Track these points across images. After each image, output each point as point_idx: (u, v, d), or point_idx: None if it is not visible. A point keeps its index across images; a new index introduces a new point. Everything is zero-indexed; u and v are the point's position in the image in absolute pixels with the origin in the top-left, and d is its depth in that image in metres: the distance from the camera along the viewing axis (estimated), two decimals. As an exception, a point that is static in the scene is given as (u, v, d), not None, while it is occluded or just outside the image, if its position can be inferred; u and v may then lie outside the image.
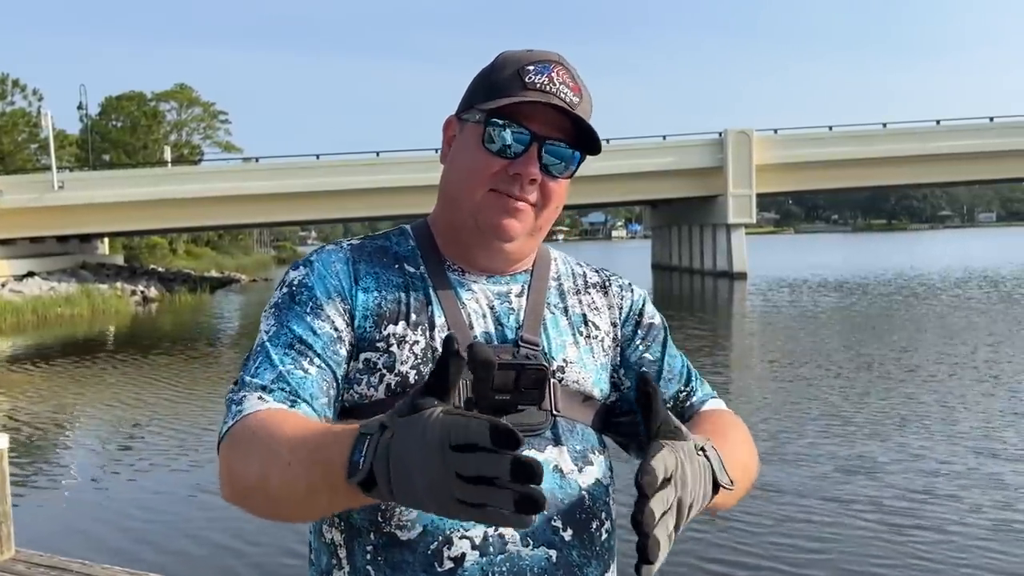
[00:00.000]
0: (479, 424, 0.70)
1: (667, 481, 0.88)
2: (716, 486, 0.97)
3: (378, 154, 33.60)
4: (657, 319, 1.29)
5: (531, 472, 0.68)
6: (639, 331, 1.27)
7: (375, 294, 1.14)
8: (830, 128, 35.24)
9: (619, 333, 1.25)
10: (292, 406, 1.03)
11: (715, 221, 35.42)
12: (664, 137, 35.03)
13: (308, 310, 1.11)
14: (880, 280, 31.50)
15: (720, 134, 34.29)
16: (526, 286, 1.21)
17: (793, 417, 9.21)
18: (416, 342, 1.11)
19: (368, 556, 1.07)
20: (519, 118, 1.11)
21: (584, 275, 1.29)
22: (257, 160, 36.37)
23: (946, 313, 19.58)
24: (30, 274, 29.44)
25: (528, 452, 1.07)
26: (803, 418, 9.16)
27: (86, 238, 37.65)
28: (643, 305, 1.29)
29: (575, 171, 1.17)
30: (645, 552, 0.84)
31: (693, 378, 1.27)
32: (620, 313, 1.27)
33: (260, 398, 1.02)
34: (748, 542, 5.59)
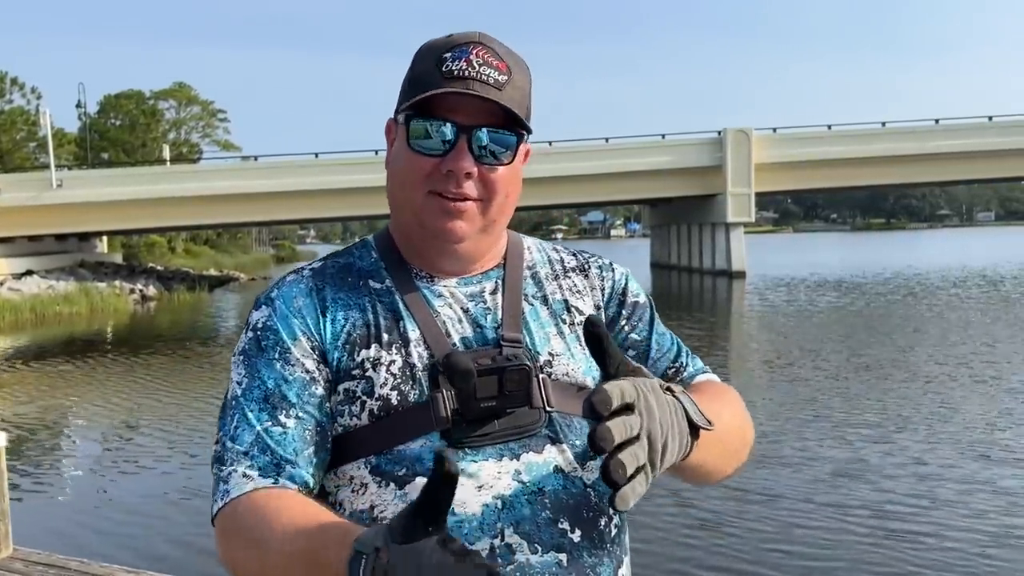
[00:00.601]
0: (462, 569, 0.71)
1: (628, 408, 0.83)
2: (694, 430, 0.92)
3: (376, 152, 33.45)
4: (642, 297, 1.24)
5: None
6: (623, 310, 1.21)
7: (343, 321, 1.09)
8: (829, 127, 35.23)
9: (603, 315, 1.20)
10: (278, 474, 1.01)
11: (714, 220, 35.41)
12: (663, 136, 35.01)
13: (276, 356, 1.06)
14: (878, 280, 31.51)
15: (719, 133, 34.28)
16: (499, 281, 1.15)
17: (790, 417, 9.21)
18: (392, 361, 1.06)
19: None
20: (443, 111, 1.05)
21: (561, 260, 1.23)
22: (256, 159, 36.34)
23: (945, 313, 19.59)
24: (28, 272, 29.42)
25: (527, 455, 1.05)
26: (800, 418, 9.15)
27: (84, 236, 37.62)
28: (625, 283, 1.23)
29: (515, 154, 1.09)
30: (610, 476, 0.80)
31: (683, 353, 1.22)
32: (603, 295, 1.21)
33: (245, 475, 1.00)
34: (744, 548, 5.58)
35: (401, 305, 1.11)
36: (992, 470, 7.04)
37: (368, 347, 1.07)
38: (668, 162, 33.77)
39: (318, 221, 57.96)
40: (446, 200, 1.08)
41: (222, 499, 1.00)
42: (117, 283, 30.50)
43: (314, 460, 1.04)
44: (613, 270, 1.24)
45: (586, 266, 1.23)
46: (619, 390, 0.82)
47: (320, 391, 1.06)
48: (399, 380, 1.06)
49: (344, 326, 1.09)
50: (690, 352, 1.24)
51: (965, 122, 35.04)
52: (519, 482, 1.03)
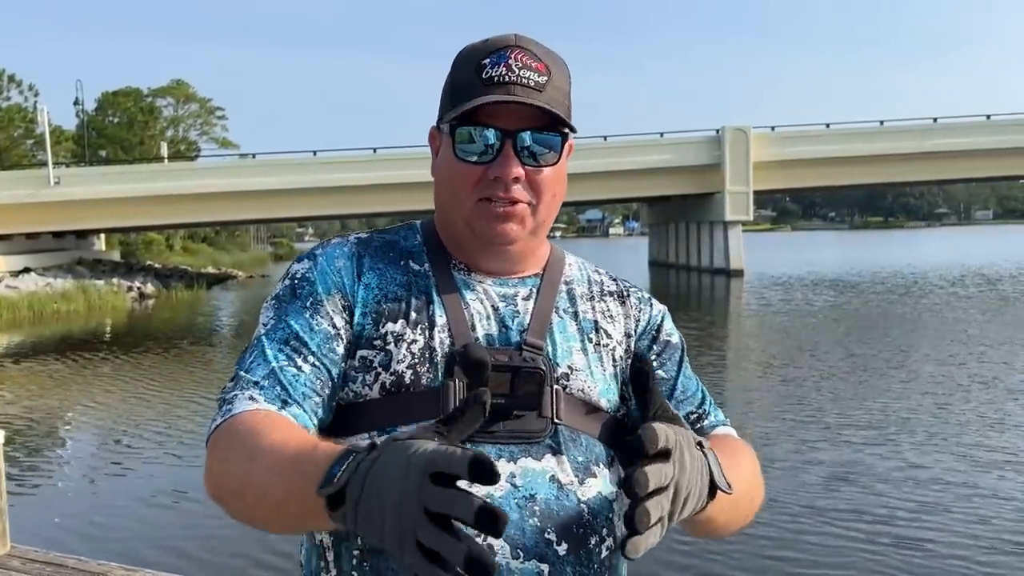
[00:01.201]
0: (463, 454, 0.69)
1: (666, 455, 0.84)
2: (712, 489, 0.93)
3: (375, 150, 33.55)
4: (675, 337, 1.24)
5: (494, 522, 0.66)
6: (655, 346, 1.21)
7: (376, 291, 1.11)
8: (827, 125, 35.26)
9: (633, 345, 1.19)
10: (283, 407, 1.01)
11: (712, 218, 35.43)
12: (662, 134, 35.02)
13: (308, 305, 1.08)
14: (876, 278, 31.53)
15: (717, 131, 34.29)
16: (535, 290, 1.16)
17: (787, 416, 9.21)
18: (414, 341, 1.07)
19: (354, 561, 1.04)
20: (486, 117, 1.06)
21: (601, 283, 1.24)
22: (254, 156, 36.30)
23: (943, 312, 19.60)
24: (26, 270, 29.39)
25: (525, 460, 1.04)
26: (797, 418, 9.15)
27: (82, 234, 37.59)
28: (661, 321, 1.24)
29: (561, 154, 1.11)
30: (633, 521, 0.80)
31: (707, 403, 1.22)
32: (637, 325, 1.21)
33: (251, 397, 1.00)
34: (741, 553, 5.57)
35: (434, 290, 1.12)
36: (991, 473, 7.05)
37: (395, 321, 1.09)
38: (666, 160, 33.77)
39: (316, 219, 57.93)
40: (496, 204, 1.09)
41: (222, 417, 1.00)
42: (115, 281, 30.47)
43: (318, 412, 1.04)
44: (651, 305, 1.25)
45: (625, 294, 1.24)
46: (664, 434, 0.84)
47: (340, 349, 1.07)
48: (416, 360, 1.07)
49: (376, 295, 1.11)
50: (713, 402, 1.23)
51: (963, 121, 35.07)
52: (511, 485, 1.03)
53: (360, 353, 1.08)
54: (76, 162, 42.48)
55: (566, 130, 1.10)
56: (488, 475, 0.68)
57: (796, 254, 55.32)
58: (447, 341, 1.08)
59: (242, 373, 1.04)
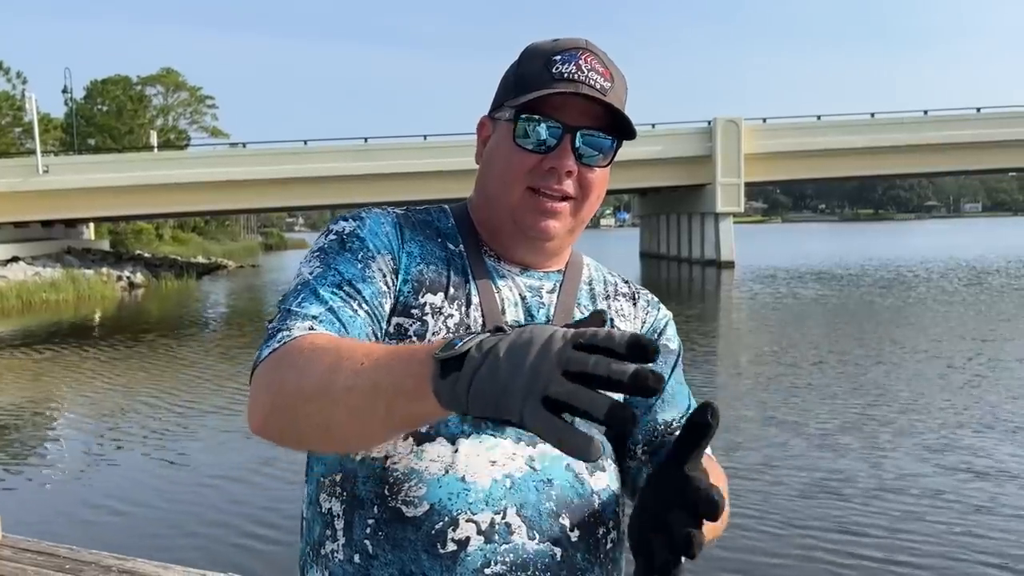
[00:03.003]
0: (622, 333, 0.67)
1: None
2: None
3: (366, 140, 33.44)
4: (674, 343, 1.28)
5: (645, 383, 0.64)
6: None
7: (418, 260, 1.13)
8: (818, 117, 35.32)
9: None
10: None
11: (703, 210, 35.50)
12: (653, 125, 34.99)
13: (359, 258, 1.09)
14: (865, 271, 31.67)
15: (709, 123, 34.32)
16: (558, 284, 1.20)
17: (776, 406, 9.26)
18: (451, 315, 1.10)
19: (368, 530, 1.04)
20: (550, 111, 1.09)
21: (615, 284, 1.28)
22: (244, 145, 36.17)
23: (929, 305, 19.73)
24: (14, 259, 29.21)
25: (543, 445, 1.05)
26: (786, 407, 9.20)
27: (71, 223, 37.36)
28: (665, 325, 1.28)
29: (612, 159, 1.15)
30: (693, 549, 0.78)
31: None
32: (643, 327, 1.25)
33: (311, 327, 0.98)
34: (734, 547, 5.61)
35: (470, 270, 1.15)
36: (984, 482, 7.11)
37: (435, 294, 1.11)
38: (658, 151, 33.77)
39: (307, 209, 57.77)
40: (544, 199, 1.12)
41: (279, 342, 0.96)
42: (104, 270, 30.33)
43: None
44: (659, 309, 1.29)
45: (636, 296, 1.28)
46: (724, 503, 0.83)
47: (387, 307, 1.09)
48: (451, 335, 1.06)
49: (418, 264, 1.13)
50: None
51: (953, 113, 35.20)
52: (531, 468, 1.05)
53: (395, 320, 1.09)
54: (65, 150, 42.18)
55: (620, 137, 1.13)
56: (648, 354, 0.65)
57: (786, 246, 55.48)
58: (480, 320, 1.11)
59: (294, 308, 1.02)
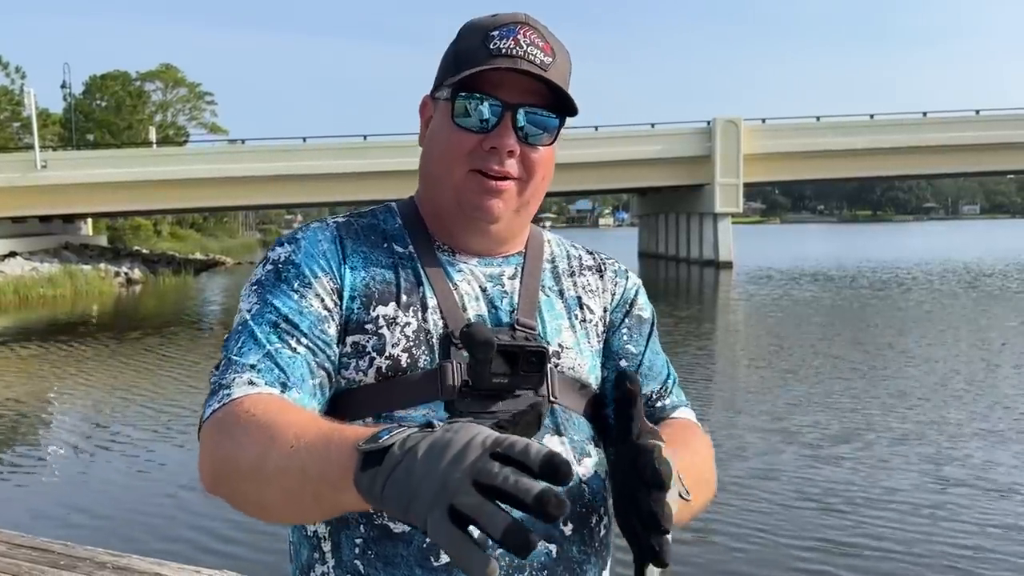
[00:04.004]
0: (539, 448, 0.65)
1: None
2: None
3: (365, 137, 33.44)
4: (647, 312, 1.24)
5: (547, 511, 0.62)
6: (627, 320, 1.21)
7: (363, 273, 1.08)
8: (818, 118, 35.32)
9: (608, 319, 1.20)
10: (283, 391, 0.97)
11: (702, 210, 35.49)
12: (653, 125, 35.04)
13: (294, 288, 1.05)
14: (863, 272, 31.66)
15: (708, 123, 34.31)
16: (519, 268, 1.16)
17: (772, 408, 9.26)
18: (407, 323, 1.06)
19: (357, 550, 1.01)
20: (489, 88, 1.05)
21: (579, 257, 1.24)
22: (243, 142, 36.11)
23: (926, 307, 19.73)
24: (12, 254, 29.15)
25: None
26: (781, 410, 9.20)
27: (69, 218, 37.33)
28: (635, 294, 1.24)
29: (556, 136, 1.10)
30: (661, 553, 0.79)
31: (671, 382, 1.21)
32: (612, 299, 1.21)
33: (250, 381, 0.96)
34: (727, 546, 5.60)
35: (422, 272, 1.10)
36: (969, 463, 7.10)
37: (386, 304, 1.07)
38: (657, 151, 33.78)
39: (305, 206, 57.62)
40: (487, 179, 1.08)
41: (219, 402, 0.95)
42: (102, 266, 30.28)
43: (316, 395, 1.01)
44: (627, 277, 1.25)
45: (602, 267, 1.24)
46: (668, 465, 0.86)
47: (332, 331, 1.04)
48: (411, 343, 1.05)
49: (364, 278, 1.08)
50: (677, 381, 1.23)
51: (952, 115, 35.22)
52: None
53: (351, 339, 1.05)
54: (63, 146, 42.16)
55: (564, 114, 1.10)
56: (559, 477, 0.64)
57: (785, 247, 55.50)
58: (440, 323, 1.07)
59: (234, 357, 1.00)
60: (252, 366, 0.98)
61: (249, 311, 1.04)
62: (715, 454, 1.17)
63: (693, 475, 0.98)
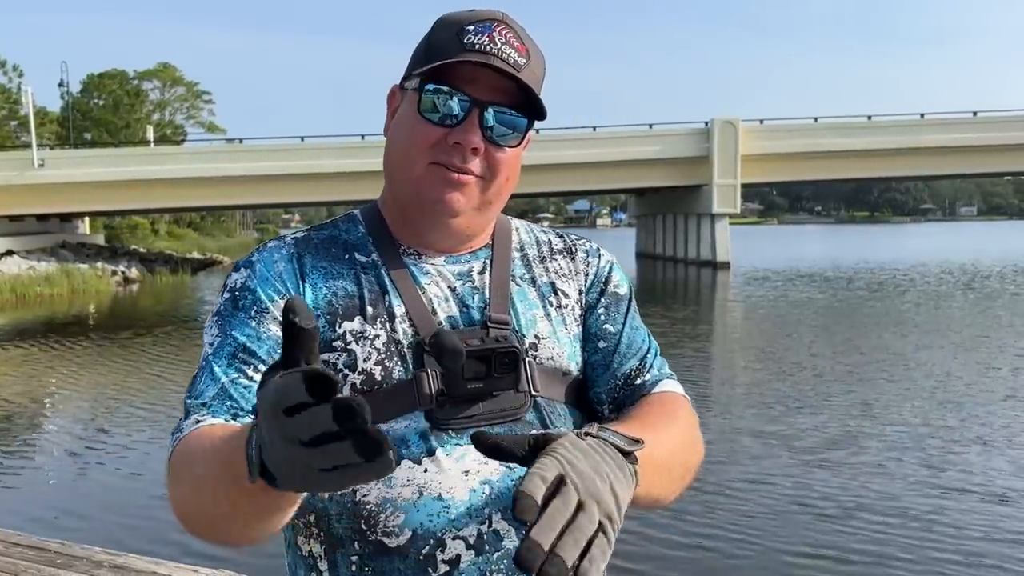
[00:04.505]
0: (294, 378, 0.60)
1: (554, 493, 0.74)
2: (628, 455, 0.84)
3: (363, 137, 33.40)
4: (623, 288, 1.21)
5: (351, 413, 0.57)
6: (603, 299, 1.18)
7: (324, 290, 1.06)
8: (815, 119, 35.33)
9: (585, 300, 1.18)
10: (233, 420, 0.96)
11: (700, 210, 35.50)
12: (651, 126, 35.02)
13: (252, 315, 1.03)
14: (861, 273, 31.69)
15: (706, 124, 34.31)
16: (488, 261, 1.13)
17: (768, 408, 9.26)
18: (376, 336, 1.04)
19: (354, 568, 1.01)
20: (458, 83, 1.02)
21: (549, 242, 1.21)
22: (241, 141, 36.06)
23: (924, 309, 19.75)
24: (9, 253, 29.12)
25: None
26: (778, 409, 9.21)
27: (66, 217, 37.27)
28: (609, 271, 1.21)
29: (524, 139, 1.08)
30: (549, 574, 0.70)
31: (651, 355, 1.17)
32: (586, 279, 1.19)
33: (197, 420, 0.96)
34: (722, 546, 5.60)
35: (387, 280, 1.08)
36: (963, 463, 7.11)
37: (351, 319, 1.05)
38: (655, 152, 33.78)
39: (303, 205, 57.60)
40: (448, 171, 1.05)
41: (173, 442, 0.96)
42: (99, 265, 30.25)
43: None
44: (599, 256, 1.22)
45: (573, 249, 1.21)
46: (538, 480, 0.74)
47: None
48: (383, 356, 1.04)
49: (326, 295, 1.06)
50: (659, 353, 1.20)
51: (950, 117, 35.25)
52: (507, 467, 1.01)
53: (320, 358, 1.02)
54: (61, 144, 42.09)
55: (533, 117, 1.07)
56: (327, 385, 0.59)
57: (782, 247, 55.54)
58: (410, 331, 1.05)
59: (190, 401, 1.00)
60: (204, 404, 0.98)
61: (211, 344, 1.04)
62: (706, 456, 1.15)
63: (658, 462, 0.93)
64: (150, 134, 46.35)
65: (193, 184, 31.60)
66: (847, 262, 37.82)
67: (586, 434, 0.83)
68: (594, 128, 34.34)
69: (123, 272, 30.92)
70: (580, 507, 0.75)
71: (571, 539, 0.72)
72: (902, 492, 6.34)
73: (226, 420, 0.95)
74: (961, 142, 33.77)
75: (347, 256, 1.10)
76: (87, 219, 40.98)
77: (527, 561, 0.70)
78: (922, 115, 35.12)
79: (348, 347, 1.03)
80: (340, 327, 1.04)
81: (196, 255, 42.94)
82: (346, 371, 1.02)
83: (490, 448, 0.81)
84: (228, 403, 0.98)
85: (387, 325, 1.05)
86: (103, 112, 52.36)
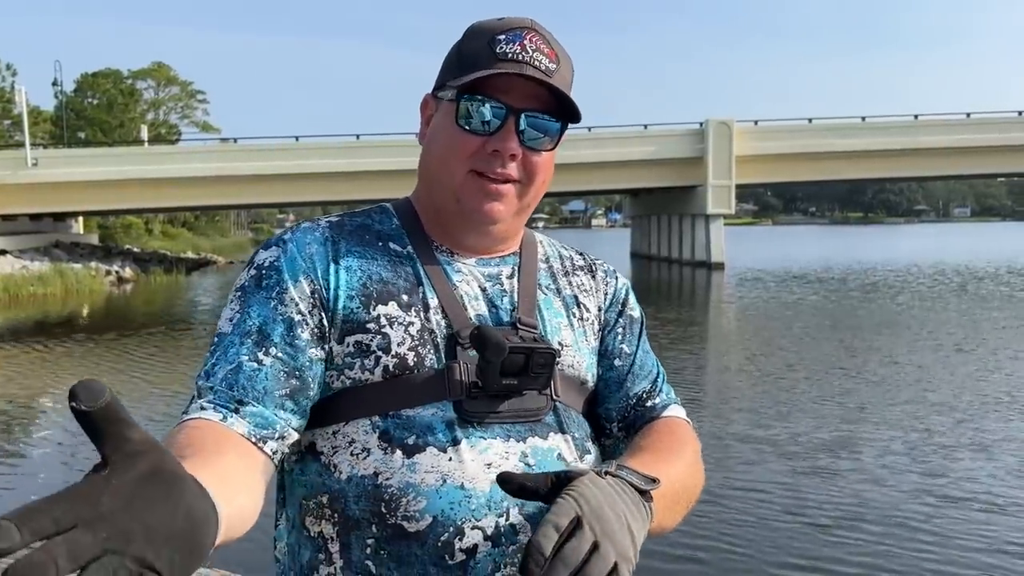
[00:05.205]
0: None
1: (571, 534, 0.78)
2: (644, 493, 0.90)
3: (358, 137, 33.37)
4: (637, 312, 1.27)
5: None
6: (621, 319, 1.24)
7: (359, 273, 1.08)
8: (810, 120, 35.41)
9: (603, 318, 1.23)
10: (235, 411, 0.96)
11: (694, 211, 35.56)
12: (646, 126, 35.08)
13: (273, 295, 1.04)
14: (855, 273, 31.76)
15: (701, 124, 34.37)
16: (516, 268, 1.17)
17: (763, 408, 9.27)
18: (411, 323, 1.06)
19: (369, 550, 1.01)
20: (493, 91, 1.06)
21: (571, 258, 1.26)
22: (235, 141, 36.01)
23: (918, 309, 19.81)
24: (2, 252, 28.99)
25: (533, 439, 1.06)
26: (773, 409, 9.21)
27: (60, 216, 37.17)
28: (626, 295, 1.26)
29: (558, 142, 1.12)
30: None
31: (660, 379, 1.23)
32: (605, 299, 1.24)
33: (202, 407, 0.97)
34: (718, 548, 5.60)
35: (422, 271, 1.11)
36: (957, 465, 7.12)
37: (386, 304, 1.07)
38: (650, 152, 33.83)
39: (297, 205, 57.51)
40: (487, 181, 1.08)
41: (178, 422, 0.97)
42: (93, 264, 30.15)
43: (286, 404, 1.00)
44: (616, 278, 1.27)
45: (593, 267, 1.26)
46: (551, 529, 0.78)
47: (306, 336, 1.04)
48: (417, 342, 1.05)
49: (360, 278, 1.08)
50: (666, 379, 1.25)
51: (944, 118, 35.38)
52: (526, 464, 1.04)
53: (352, 338, 1.05)
54: (54, 144, 41.95)
55: (567, 120, 1.11)
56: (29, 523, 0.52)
57: (776, 248, 55.63)
58: (443, 323, 1.07)
59: (202, 381, 1.00)
60: (211, 388, 0.99)
61: (230, 320, 1.05)
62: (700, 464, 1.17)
63: (667, 475, 0.97)
64: (144, 134, 46.19)
65: (187, 184, 31.54)
66: (841, 263, 37.89)
67: (606, 472, 0.87)
68: (589, 129, 34.32)
69: (117, 272, 30.83)
70: (595, 548, 0.79)
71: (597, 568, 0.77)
72: (895, 499, 6.28)
73: (223, 416, 0.96)
74: (955, 143, 33.89)
75: (381, 244, 1.13)
76: (81, 218, 40.88)
77: None
78: (916, 116, 35.24)
79: (383, 329, 1.05)
80: (374, 310, 1.06)
81: (190, 255, 42.86)
82: (380, 353, 1.04)
83: (516, 489, 0.86)
84: (233, 389, 0.98)
85: (421, 314, 1.07)
86: (97, 111, 52.22)
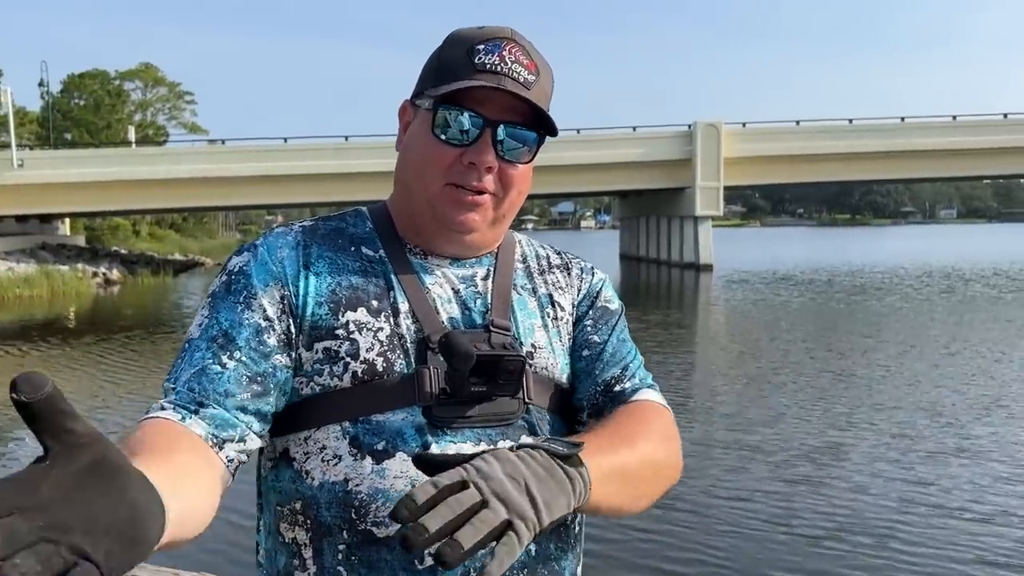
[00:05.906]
0: None
1: (452, 494, 0.77)
2: (570, 461, 0.88)
3: (347, 138, 33.32)
4: (614, 304, 1.25)
5: None
6: (592, 312, 1.22)
7: (329, 279, 1.08)
8: (797, 123, 35.57)
9: (575, 312, 1.22)
10: (194, 412, 0.96)
11: (683, 213, 35.66)
12: (634, 128, 35.17)
13: (241, 300, 1.04)
14: (842, 275, 31.90)
15: (689, 126, 34.47)
16: (491, 268, 1.16)
17: (750, 409, 9.30)
18: (380, 328, 1.05)
19: (340, 556, 1.02)
20: (470, 102, 1.05)
21: (548, 256, 1.26)
22: (223, 142, 35.86)
23: (904, 310, 19.91)
24: (-12, 254, 28.82)
25: (503, 443, 1.05)
26: (760, 411, 9.24)
27: (46, 218, 36.94)
28: (601, 288, 1.25)
29: (535, 154, 1.11)
30: (441, 558, 0.74)
31: (634, 364, 1.20)
32: (578, 294, 1.23)
33: (162, 407, 0.97)
34: (706, 551, 5.60)
35: (393, 276, 1.10)
36: (947, 467, 7.15)
37: (354, 310, 1.06)
38: (639, 154, 33.91)
39: (286, 207, 57.33)
40: (463, 192, 1.08)
41: (138, 422, 0.97)
42: (80, 266, 29.98)
43: (248, 407, 1.00)
44: (593, 274, 1.26)
45: (569, 265, 1.25)
46: (428, 486, 0.77)
47: (272, 342, 1.03)
48: (386, 348, 1.05)
49: (330, 284, 1.07)
50: (643, 366, 1.22)
51: (930, 121, 35.61)
52: None
53: (320, 345, 1.05)
54: (40, 145, 41.69)
55: (543, 132, 1.10)
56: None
57: (764, 249, 55.80)
58: (414, 328, 1.07)
59: (167, 384, 1.01)
60: (173, 388, 0.99)
61: (199, 326, 1.05)
62: (685, 465, 1.16)
63: (619, 472, 0.97)
64: (131, 135, 45.92)
65: (175, 185, 31.40)
66: (828, 264, 38.04)
67: (519, 446, 0.86)
68: (578, 131, 34.40)
69: (104, 273, 30.66)
70: (484, 505, 0.78)
71: (471, 528, 0.76)
72: (882, 507, 6.23)
73: (181, 417, 0.95)
74: (941, 146, 34.12)
75: (353, 249, 1.12)
76: (67, 220, 40.63)
77: (409, 540, 0.73)
78: (902, 119, 35.47)
79: (351, 336, 1.05)
80: (343, 316, 1.06)
81: (178, 256, 42.65)
82: (348, 359, 1.04)
83: (431, 470, 0.83)
84: (194, 391, 0.98)
85: (391, 319, 1.07)
86: (84, 112, 51.95)
